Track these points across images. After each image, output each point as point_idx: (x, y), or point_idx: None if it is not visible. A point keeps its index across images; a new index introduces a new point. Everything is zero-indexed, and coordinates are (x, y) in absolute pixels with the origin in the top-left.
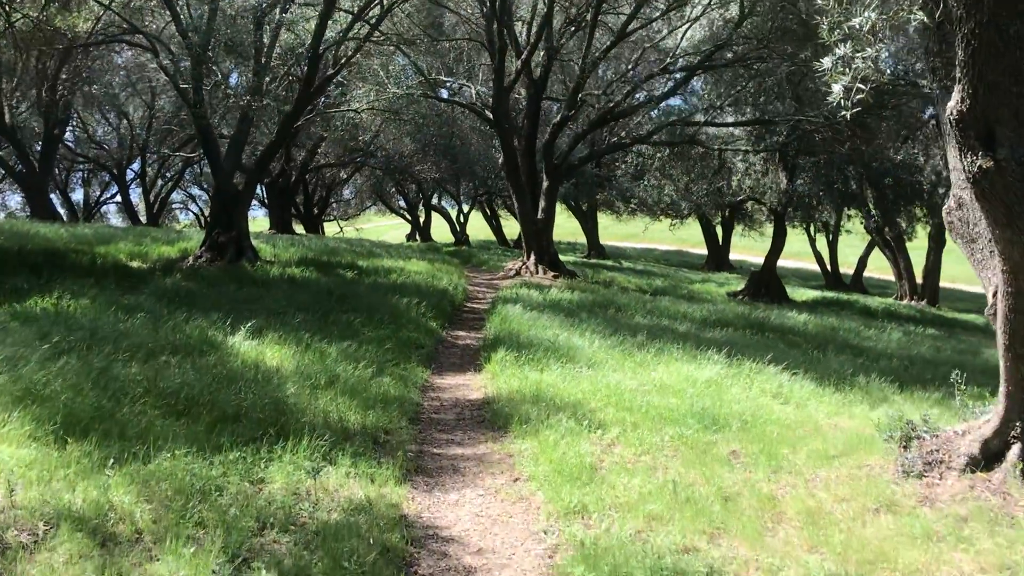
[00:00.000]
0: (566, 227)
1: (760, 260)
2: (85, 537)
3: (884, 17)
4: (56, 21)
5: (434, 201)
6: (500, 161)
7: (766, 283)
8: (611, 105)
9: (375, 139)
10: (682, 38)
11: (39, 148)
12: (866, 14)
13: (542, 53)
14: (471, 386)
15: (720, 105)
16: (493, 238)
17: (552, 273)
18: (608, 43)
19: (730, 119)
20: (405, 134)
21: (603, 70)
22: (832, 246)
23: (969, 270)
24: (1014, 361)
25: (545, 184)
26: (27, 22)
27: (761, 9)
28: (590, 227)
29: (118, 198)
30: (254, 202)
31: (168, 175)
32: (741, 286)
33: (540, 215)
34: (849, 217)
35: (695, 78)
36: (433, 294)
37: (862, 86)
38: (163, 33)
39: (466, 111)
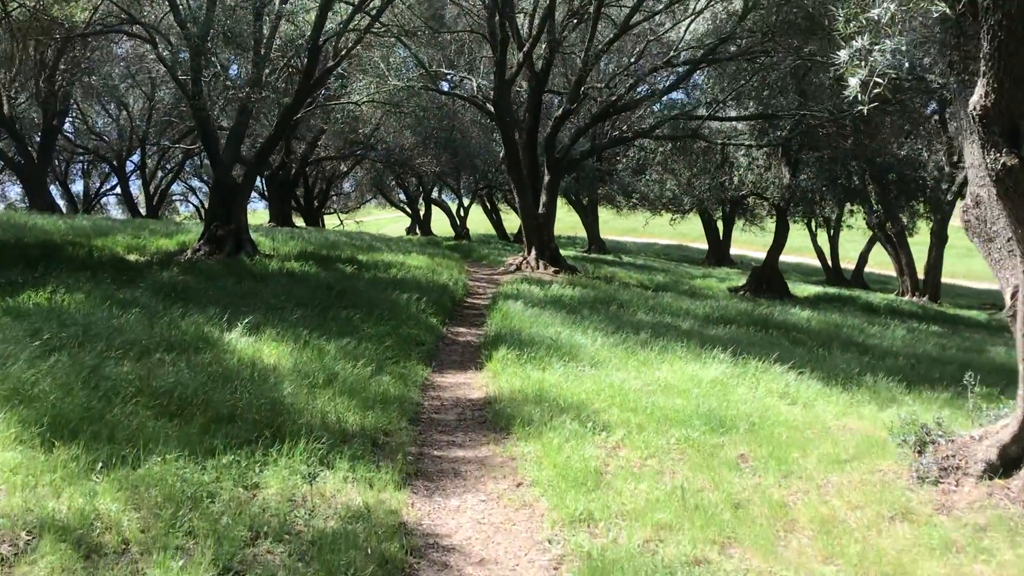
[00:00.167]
0: (566, 221)
1: (760, 255)
2: (69, 548)
3: (903, 8)
4: (53, 10)
5: (434, 195)
6: (501, 155)
7: (768, 279)
8: (614, 98)
9: (375, 132)
10: (685, 32)
11: (38, 139)
12: (884, 5)
13: (544, 46)
14: (472, 385)
15: (723, 99)
16: (493, 232)
17: (553, 268)
18: (611, 36)
19: (733, 113)
20: (406, 127)
21: (605, 63)
22: (833, 241)
23: (970, 267)
24: None
25: (546, 178)
26: (24, 11)
27: (766, 2)
28: (590, 221)
29: (118, 190)
30: (254, 195)
31: (168, 167)
32: (742, 282)
33: (541, 209)
34: (852, 212)
35: (697, 72)
36: (433, 289)
37: (879, 80)
38: (161, 23)
39: (467, 104)
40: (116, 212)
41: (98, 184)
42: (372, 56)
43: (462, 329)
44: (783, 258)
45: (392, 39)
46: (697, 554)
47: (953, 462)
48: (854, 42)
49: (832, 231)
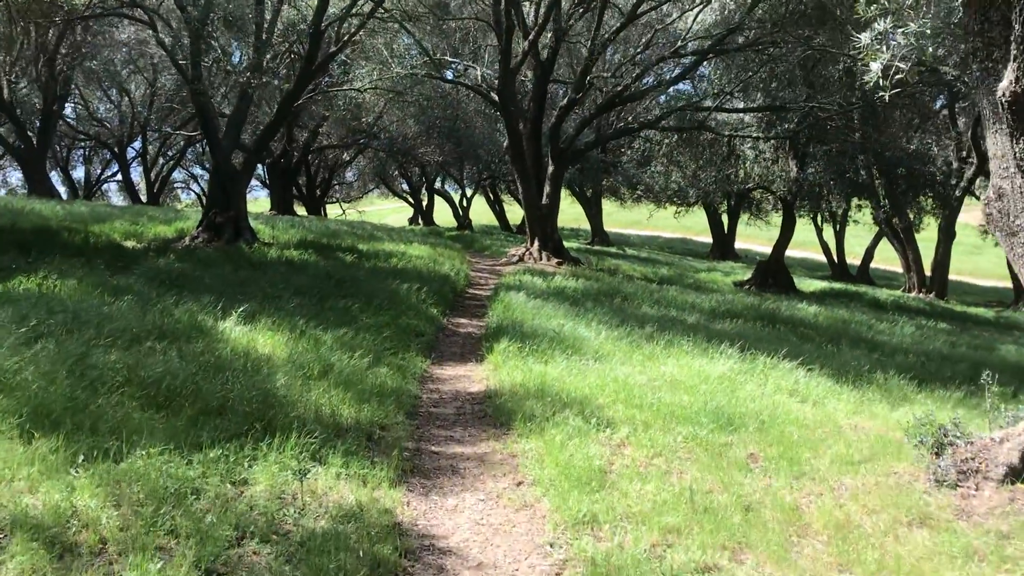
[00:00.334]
0: (569, 213)
1: (765, 249)
2: (41, 548)
3: None
4: None
5: (437, 185)
6: (505, 145)
7: (773, 273)
8: (619, 89)
9: (378, 121)
10: (693, 22)
11: (38, 124)
12: None
13: (550, 34)
14: (472, 378)
15: (731, 91)
16: (496, 223)
17: (556, 260)
18: (617, 25)
19: (740, 105)
20: (409, 116)
21: (611, 53)
22: (839, 236)
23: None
24: None
25: (550, 169)
26: None
27: None
28: (594, 213)
29: (119, 176)
30: (256, 183)
31: (170, 154)
32: (747, 275)
33: (545, 200)
34: (860, 207)
35: (704, 63)
36: (434, 279)
37: (902, 65)
38: (162, 7)
39: (471, 93)
40: (117, 199)
41: (99, 170)
42: (375, 43)
43: (463, 320)
44: (788, 252)
45: (396, 26)
46: (707, 560)
47: (972, 465)
48: (875, 25)
49: (838, 226)
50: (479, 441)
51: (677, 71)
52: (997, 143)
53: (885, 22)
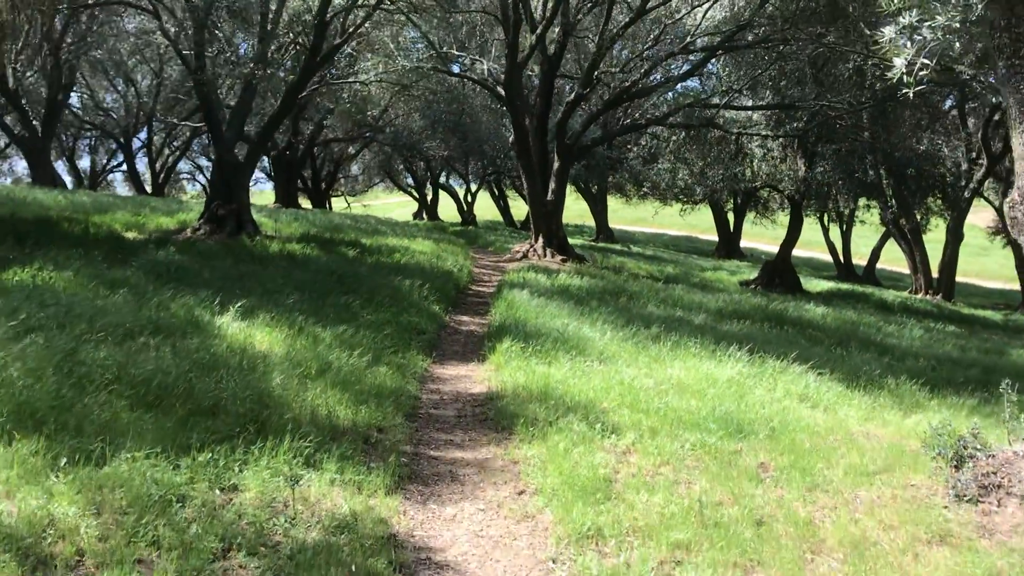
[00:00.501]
0: (574, 209)
1: (771, 248)
2: (13, 560)
3: None
4: None
5: (442, 179)
6: (510, 140)
7: (780, 273)
8: (627, 84)
9: (384, 114)
10: (702, 18)
11: (44, 113)
12: None
13: (557, 29)
14: (473, 378)
15: (739, 88)
16: (500, 219)
17: (560, 257)
18: (626, 20)
19: (748, 103)
20: (414, 110)
21: (618, 49)
22: (846, 236)
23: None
24: None
25: (556, 165)
26: None
27: None
28: (599, 210)
29: (124, 166)
30: (262, 175)
31: (175, 144)
32: (753, 275)
33: (550, 196)
34: (869, 207)
35: (713, 60)
36: (437, 276)
37: (926, 61)
38: None
39: (477, 88)
40: (122, 189)
41: (105, 160)
42: (381, 35)
43: (465, 318)
44: (794, 252)
45: (402, 18)
46: None
47: (994, 480)
48: (900, 18)
49: (844, 226)
50: (480, 446)
51: (685, 67)
52: None
53: (910, 16)
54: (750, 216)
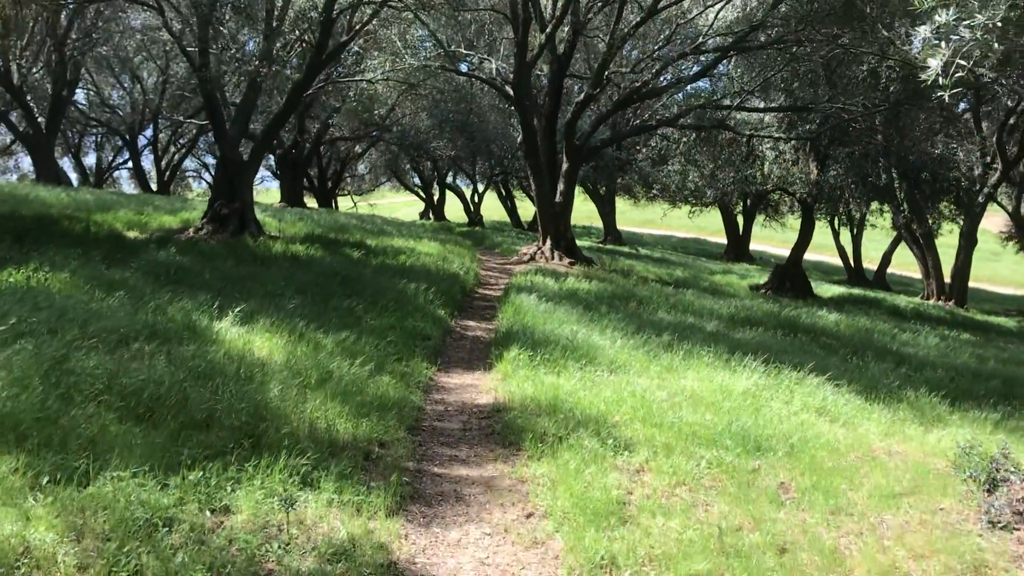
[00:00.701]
0: (581, 210)
1: (779, 251)
2: None
3: None
4: None
5: (449, 179)
6: (518, 140)
7: (791, 277)
8: (638, 85)
9: (391, 113)
10: (714, 19)
11: (48, 109)
12: None
13: (567, 28)
14: (480, 388)
15: (752, 90)
16: (507, 219)
17: (568, 259)
18: (637, 20)
19: (760, 104)
20: (422, 109)
21: (628, 49)
22: (856, 240)
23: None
24: None
25: (565, 166)
26: None
27: None
28: (607, 212)
29: (130, 164)
30: (268, 174)
31: (181, 142)
32: (763, 279)
33: (558, 198)
34: (882, 212)
35: (724, 61)
36: (443, 279)
37: (963, 62)
38: None
39: (485, 87)
40: (128, 186)
41: (111, 157)
42: (389, 33)
43: (471, 323)
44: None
45: (409, 16)
46: None
47: None
48: (936, 17)
49: (855, 230)
50: (486, 462)
51: (696, 68)
52: None
53: (946, 14)
54: (759, 219)
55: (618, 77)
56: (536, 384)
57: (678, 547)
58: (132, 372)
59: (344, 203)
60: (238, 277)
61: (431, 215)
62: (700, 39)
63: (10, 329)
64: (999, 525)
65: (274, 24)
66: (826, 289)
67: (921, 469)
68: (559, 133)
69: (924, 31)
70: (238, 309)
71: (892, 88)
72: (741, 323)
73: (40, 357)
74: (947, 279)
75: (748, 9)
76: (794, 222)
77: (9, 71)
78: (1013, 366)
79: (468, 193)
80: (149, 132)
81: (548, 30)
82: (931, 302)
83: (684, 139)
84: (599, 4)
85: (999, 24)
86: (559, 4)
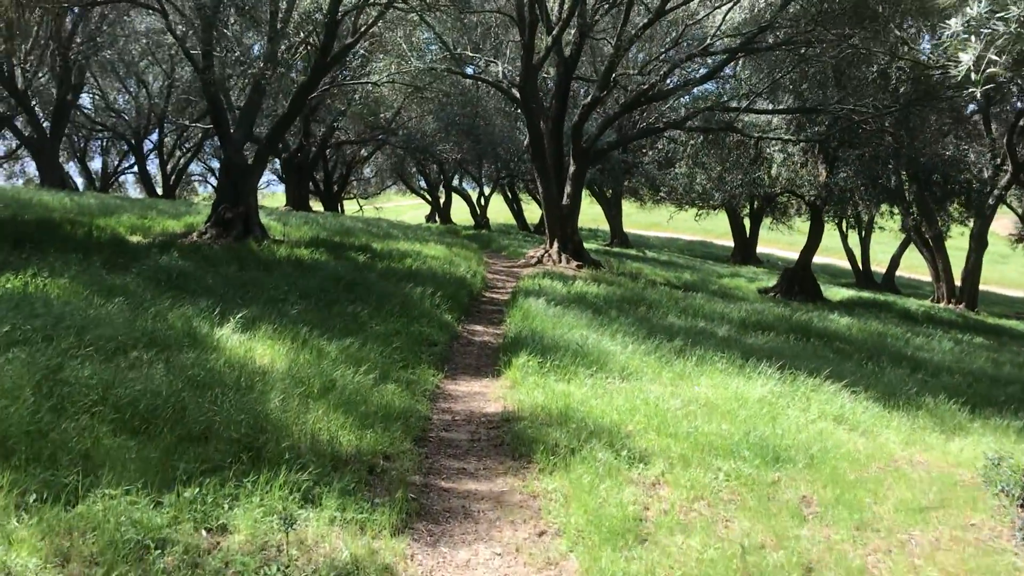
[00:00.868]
0: (588, 213)
1: (786, 253)
2: None
3: None
4: None
5: (455, 182)
6: (525, 143)
7: (800, 280)
8: (645, 87)
9: (397, 116)
10: (722, 20)
11: (52, 114)
12: None
13: (574, 30)
14: (488, 395)
15: (760, 92)
16: (513, 222)
17: (576, 263)
18: (644, 22)
19: (768, 106)
20: (428, 112)
21: (635, 51)
22: (864, 243)
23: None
24: None
25: (572, 168)
26: None
27: None
28: (614, 214)
29: (136, 168)
30: (274, 177)
31: (187, 146)
32: (771, 282)
33: (565, 201)
34: (893, 214)
35: (732, 63)
36: (449, 282)
37: (995, 57)
38: None
39: (491, 90)
40: (134, 191)
41: (117, 162)
42: (394, 36)
43: (479, 327)
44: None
45: (415, 18)
46: None
47: None
48: (967, 9)
49: (863, 232)
50: (495, 476)
51: (703, 71)
52: None
53: (979, 6)
54: (766, 221)
55: (625, 79)
56: (546, 392)
57: (699, 568)
58: (128, 382)
59: (350, 207)
60: (241, 282)
61: (437, 218)
62: (708, 41)
63: (3, 337)
64: None
65: (278, 26)
66: (835, 292)
67: (947, 481)
68: (566, 136)
69: (954, 24)
70: (240, 315)
71: (902, 89)
72: (753, 327)
73: (33, 366)
74: (957, 282)
75: (756, 10)
76: (801, 225)
77: (13, 75)
78: None
79: (474, 196)
80: (155, 136)
81: (555, 32)
82: (942, 305)
83: (691, 141)
84: (606, 6)
85: None
86: (566, 6)
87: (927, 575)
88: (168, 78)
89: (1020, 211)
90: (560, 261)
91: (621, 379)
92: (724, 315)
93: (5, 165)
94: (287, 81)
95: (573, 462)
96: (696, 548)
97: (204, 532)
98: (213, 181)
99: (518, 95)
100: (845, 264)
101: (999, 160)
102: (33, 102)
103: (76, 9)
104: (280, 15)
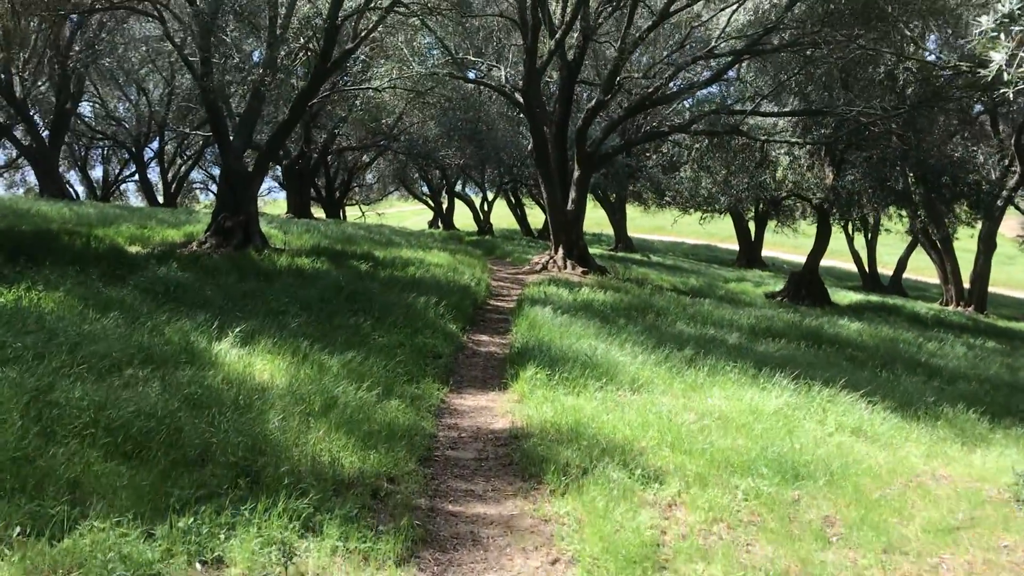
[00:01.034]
0: (591, 217)
1: (791, 257)
2: None
3: None
4: None
5: (458, 188)
6: (528, 147)
7: (807, 284)
8: (650, 91)
9: (398, 122)
10: (727, 22)
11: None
12: None
13: (577, 34)
14: (495, 410)
15: (766, 94)
16: (517, 227)
17: (581, 269)
18: (647, 25)
19: (774, 109)
20: (430, 117)
21: (638, 54)
22: (871, 246)
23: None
24: None
25: (576, 173)
26: None
27: None
28: (618, 219)
29: (137, 176)
30: (275, 184)
31: (188, 154)
32: (778, 286)
33: (570, 206)
34: (901, 217)
35: (736, 65)
36: (454, 291)
37: None
38: (172, 1)
39: (493, 95)
40: (135, 199)
41: (117, 170)
42: (395, 41)
43: (484, 337)
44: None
45: (416, 23)
46: None
47: None
48: (999, 6)
49: (870, 235)
50: (505, 498)
51: (707, 74)
52: None
53: (1011, 2)
54: (771, 225)
55: (629, 83)
56: (555, 406)
57: None
58: (122, 402)
59: (352, 213)
60: (240, 293)
61: (440, 224)
62: (712, 43)
63: None
64: None
65: (278, 32)
66: (843, 296)
67: (975, 498)
68: (570, 140)
69: (985, 22)
70: (239, 328)
71: (910, 90)
72: (763, 334)
73: (21, 387)
74: (966, 284)
75: (761, 12)
76: (806, 228)
77: (12, 84)
78: None
79: (477, 201)
80: (155, 144)
81: (558, 36)
82: (951, 308)
83: (696, 145)
84: (609, 9)
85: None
86: (568, 10)
87: None
88: (168, 85)
89: None
90: (565, 267)
91: (632, 391)
92: (733, 322)
93: (5, 175)
94: (287, 87)
95: (586, 483)
96: None
97: (199, 565)
98: (214, 189)
99: (521, 100)
100: (851, 267)
101: (1007, 161)
102: (32, 111)
103: (74, 17)
104: (279, 20)
